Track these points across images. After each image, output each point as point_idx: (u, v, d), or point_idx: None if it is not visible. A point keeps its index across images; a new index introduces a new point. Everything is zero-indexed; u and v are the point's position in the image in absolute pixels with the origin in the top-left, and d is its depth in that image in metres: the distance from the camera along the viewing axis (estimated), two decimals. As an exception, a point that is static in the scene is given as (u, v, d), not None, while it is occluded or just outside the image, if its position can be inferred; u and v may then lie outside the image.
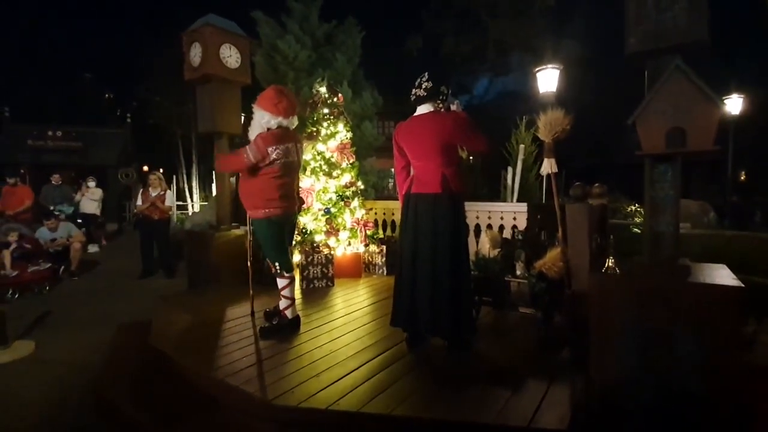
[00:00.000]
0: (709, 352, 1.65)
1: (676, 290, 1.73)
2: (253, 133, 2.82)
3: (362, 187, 4.77)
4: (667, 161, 1.85)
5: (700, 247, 3.77)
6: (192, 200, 17.26)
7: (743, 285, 1.66)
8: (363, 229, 4.56)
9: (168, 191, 6.26)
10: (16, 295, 4.91)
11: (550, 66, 6.02)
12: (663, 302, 1.72)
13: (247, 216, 2.98)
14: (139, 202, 6.05)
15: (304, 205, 4.14)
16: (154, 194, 6.02)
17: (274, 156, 2.71)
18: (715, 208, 8.15)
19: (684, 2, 1.76)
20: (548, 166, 2.48)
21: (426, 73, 2.48)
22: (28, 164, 12.70)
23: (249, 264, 3.25)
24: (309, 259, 4.04)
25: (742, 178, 16.42)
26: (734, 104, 9.15)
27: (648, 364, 1.75)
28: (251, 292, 3.21)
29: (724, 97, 8.78)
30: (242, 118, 4.94)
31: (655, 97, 1.79)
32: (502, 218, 3.95)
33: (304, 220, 4.46)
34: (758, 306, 2.66)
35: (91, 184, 8.41)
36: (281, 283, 2.86)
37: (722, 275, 1.82)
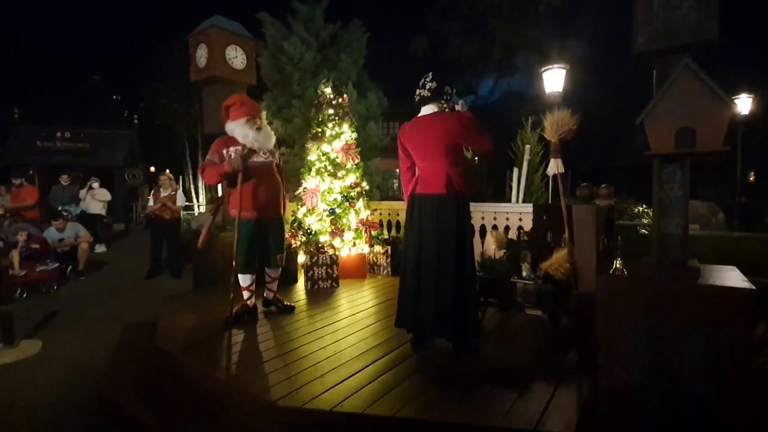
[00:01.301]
0: (718, 355, 1.62)
1: (685, 292, 1.70)
2: (268, 140, 3.03)
3: (367, 187, 4.76)
4: (676, 162, 1.82)
5: (709, 249, 3.73)
6: (198, 201, 17.37)
7: (754, 287, 1.63)
8: (368, 229, 4.56)
9: (178, 191, 6.32)
10: (24, 295, 4.95)
11: (556, 66, 5.97)
12: (671, 304, 1.70)
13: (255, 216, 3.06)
14: (151, 202, 6.09)
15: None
16: (164, 194, 6.06)
17: None
18: (723, 209, 8.05)
19: (693, 0, 1.74)
20: (554, 167, 2.46)
21: (430, 74, 2.47)
22: (37, 165, 12.84)
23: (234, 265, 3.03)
24: (314, 260, 4.04)
25: (752, 178, 16.21)
26: (744, 104, 9.04)
27: (656, 367, 1.73)
28: (232, 295, 2.92)
29: (733, 97, 8.67)
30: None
31: (663, 97, 1.77)
32: (507, 219, 3.93)
33: (309, 221, 4.47)
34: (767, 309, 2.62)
35: (95, 185, 8.49)
36: (278, 272, 3.28)
37: (732, 277, 1.79)
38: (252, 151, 2.91)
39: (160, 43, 16.51)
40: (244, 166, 2.87)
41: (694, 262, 1.93)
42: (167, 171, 6.71)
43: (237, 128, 2.90)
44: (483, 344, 2.54)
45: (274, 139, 3.03)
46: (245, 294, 3.15)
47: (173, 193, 6.14)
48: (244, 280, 3.09)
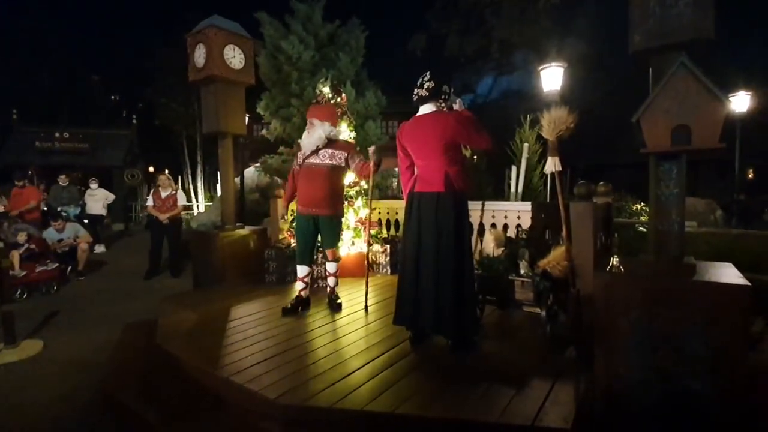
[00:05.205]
0: (714, 351, 1.63)
1: (682, 289, 1.71)
2: (311, 142, 3.22)
3: (365, 186, 4.77)
4: (672, 159, 1.83)
5: (707, 246, 3.74)
6: (197, 200, 17.37)
7: (749, 283, 1.64)
8: (367, 228, 4.56)
9: (179, 190, 6.33)
10: (25, 295, 4.97)
11: (554, 64, 5.97)
12: (668, 301, 1.71)
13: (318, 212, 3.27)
14: (150, 202, 6.09)
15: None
16: (165, 194, 6.06)
17: None
18: (722, 206, 8.07)
19: (688, -2, 1.75)
20: (552, 165, 2.47)
21: (428, 73, 2.48)
22: (36, 165, 12.83)
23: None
24: (313, 259, 4.04)
25: (750, 176, 16.23)
26: (741, 101, 9.04)
27: (653, 364, 1.74)
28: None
29: (731, 94, 8.68)
30: (246, 118, 4.96)
31: (659, 95, 1.78)
32: (506, 217, 3.94)
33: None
34: (766, 305, 2.64)
35: (93, 185, 8.50)
36: (333, 267, 3.47)
37: (728, 274, 1.80)
38: (312, 152, 3.23)
39: (158, 43, 16.51)
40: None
41: (691, 259, 1.95)
42: (166, 171, 6.71)
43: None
44: (481, 341, 2.55)
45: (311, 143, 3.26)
46: (299, 285, 3.34)
47: (173, 192, 6.15)
48: (299, 270, 3.34)
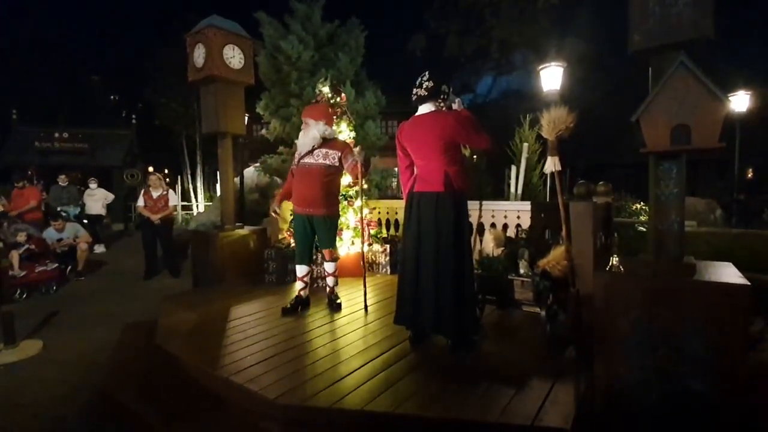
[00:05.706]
0: (714, 351, 1.63)
1: (682, 289, 1.71)
2: (306, 142, 3.22)
3: (365, 186, 4.77)
4: (672, 159, 1.83)
5: (707, 246, 3.74)
6: (197, 200, 17.37)
7: (749, 283, 1.64)
8: (366, 228, 4.57)
9: (170, 190, 6.31)
10: (24, 295, 4.96)
11: (553, 64, 5.97)
12: (668, 301, 1.71)
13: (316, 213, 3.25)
14: (141, 202, 6.07)
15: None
16: (156, 194, 6.05)
17: None
18: (722, 205, 8.07)
19: (688, -2, 1.74)
20: (552, 164, 2.47)
21: (426, 72, 2.48)
22: (36, 165, 12.83)
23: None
24: (312, 258, 4.04)
25: (750, 175, 16.22)
26: (741, 101, 9.03)
27: (653, 363, 1.74)
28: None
29: (730, 94, 8.67)
30: (246, 118, 4.96)
31: (658, 94, 1.78)
32: (506, 217, 3.94)
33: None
34: (766, 305, 2.64)
35: (92, 185, 8.50)
36: (331, 267, 3.44)
37: (728, 273, 1.80)
38: (308, 152, 3.23)
39: (158, 43, 16.51)
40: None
41: (691, 259, 1.95)
42: (158, 173, 6.71)
43: None
44: (481, 341, 2.55)
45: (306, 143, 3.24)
46: (299, 285, 3.38)
47: (165, 193, 6.13)
48: (298, 270, 3.38)
